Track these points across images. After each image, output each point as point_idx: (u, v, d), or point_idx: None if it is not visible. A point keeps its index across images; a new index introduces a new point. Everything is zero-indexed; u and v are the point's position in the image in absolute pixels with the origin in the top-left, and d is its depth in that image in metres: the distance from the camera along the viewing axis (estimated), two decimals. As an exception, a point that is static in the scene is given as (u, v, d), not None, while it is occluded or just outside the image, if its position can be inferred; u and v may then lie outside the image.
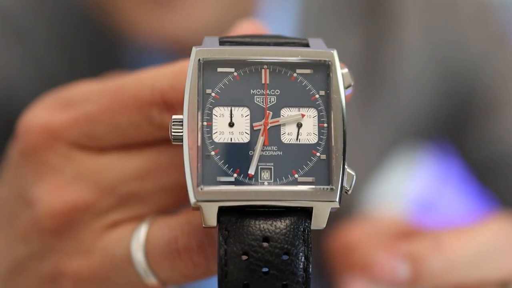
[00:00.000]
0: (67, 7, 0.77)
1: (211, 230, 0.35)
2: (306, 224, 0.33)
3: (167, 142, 0.37)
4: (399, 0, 0.81)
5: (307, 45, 0.36)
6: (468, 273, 0.50)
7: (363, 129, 0.80)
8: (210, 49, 0.34)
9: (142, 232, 0.37)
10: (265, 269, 0.32)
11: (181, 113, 0.34)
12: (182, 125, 0.34)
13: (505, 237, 0.51)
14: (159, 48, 0.70)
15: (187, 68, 0.34)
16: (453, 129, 0.84)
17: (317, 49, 0.35)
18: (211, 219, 0.33)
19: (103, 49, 0.75)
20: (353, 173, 0.34)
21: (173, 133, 0.34)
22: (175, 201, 0.38)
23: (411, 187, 0.88)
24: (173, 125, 0.34)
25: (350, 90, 0.35)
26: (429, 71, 0.82)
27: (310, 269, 0.33)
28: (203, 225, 0.33)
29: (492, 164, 0.82)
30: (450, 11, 0.83)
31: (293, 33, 0.79)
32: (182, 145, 0.34)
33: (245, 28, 0.38)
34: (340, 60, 0.36)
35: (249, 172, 0.33)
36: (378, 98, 0.81)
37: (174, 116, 0.34)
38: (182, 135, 0.33)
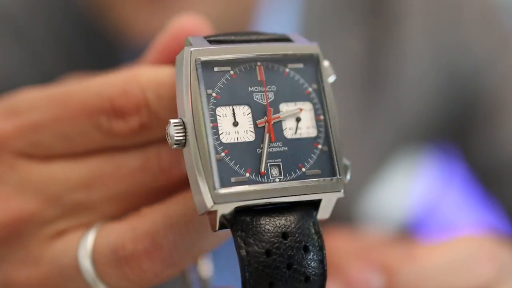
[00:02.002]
0: (66, 6, 0.76)
1: (157, 235, 0.35)
2: (314, 214, 0.34)
3: (114, 150, 0.37)
4: (403, 1, 0.81)
5: (289, 40, 0.36)
6: (441, 283, 0.50)
7: (365, 132, 0.80)
8: (206, 48, 0.34)
9: (89, 239, 0.36)
10: (288, 265, 0.32)
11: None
12: (184, 128, 0.33)
13: (477, 248, 0.51)
14: None
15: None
16: (457, 132, 0.84)
17: (303, 43, 0.35)
18: (226, 224, 0.33)
19: (101, 48, 0.75)
20: (349, 163, 0.35)
21: (176, 138, 0.33)
22: (122, 209, 0.37)
23: (413, 191, 0.87)
24: (176, 129, 0.33)
25: (332, 79, 0.36)
26: (433, 74, 0.82)
27: (325, 260, 0.33)
28: (215, 230, 0.33)
29: (495, 169, 0.82)
30: (455, 13, 0.83)
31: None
32: (182, 149, 0.33)
33: (184, 22, 0.38)
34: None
35: (260, 170, 0.33)
36: (380, 100, 0.80)
37: (173, 120, 0.33)
38: (185, 139, 0.33)
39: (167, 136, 0.33)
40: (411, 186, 0.86)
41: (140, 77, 0.36)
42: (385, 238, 0.56)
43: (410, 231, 0.87)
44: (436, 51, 0.82)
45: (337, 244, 0.55)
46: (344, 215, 0.79)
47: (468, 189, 0.89)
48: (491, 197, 0.84)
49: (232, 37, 0.35)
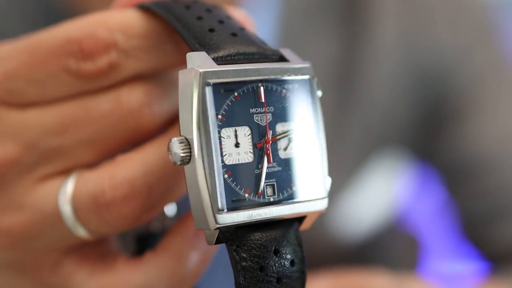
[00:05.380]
0: (48, 9, 0.75)
1: (135, 182, 0.37)
2: (297, 227, 0.37)
3: (85, 94, 0.38)
4: (377, 5, 0.81)
5: (283, 58, 0.37)
6: None
7: (339, 135, 0.81)
8: (214, 70, 0.34)
9: (68, 186, 0.38)
10: (277, 279, 0.35)
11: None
12: (189, 146, 0.34)
13: None
14: None
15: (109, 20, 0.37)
16: (426, 133, 0.85)
17: (299, 65, 0.37)
18: (222, 239, 0.35)
19: None
20: (330, 179, 0.37)
21: (182, 155, 0.34)
22: (97, 154, 0.39)
23: (388, 195, 0.87)
24: (181, 146, 0.34)
25: (319, 94, 0.38)
26: (404, 75, 0.82)
27: (305, 268, 0.36)
28: (211, 244, 0.35)
29: (456, 169, 0.84)
30: (427, 15, 0.84)
31: (274, 35, 0.79)
32: (185, 166, 0.34)
33: None
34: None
35: (258, 191, 0.35)
36: (353, 103, 0.81)
37: (176, 138, 0.34)
38: (190, 157, 0.34)
39: (170, 153, 0.34)
40: (387, 190, 0.87)
41: (108, 20, 0.37)
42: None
43: (385, 236, 0.89)
44: (408, 53, 0.83)
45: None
46: (318, 221, 0.80)
47: (439, 192, 0.90)
48: (450, 198, 0.86)
49: (233, 51, 0.36)
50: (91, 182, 0.37)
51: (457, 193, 0.85)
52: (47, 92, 0.38)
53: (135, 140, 0.38)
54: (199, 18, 0.37)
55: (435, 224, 1.02)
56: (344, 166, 0.83)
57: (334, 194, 0.81)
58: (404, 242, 0.97)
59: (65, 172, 0.39)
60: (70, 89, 0.38)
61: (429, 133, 0.85)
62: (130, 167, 0.37)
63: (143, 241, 0.42)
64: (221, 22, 0.38)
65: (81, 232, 0.38)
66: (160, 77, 0.39)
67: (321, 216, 0.84)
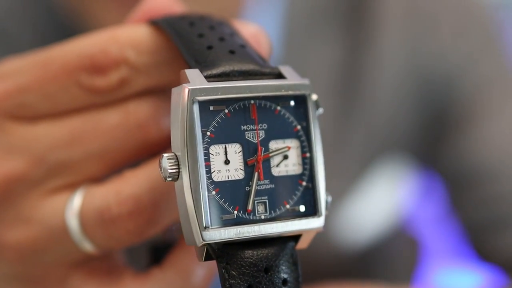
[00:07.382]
0: (49, 12, 0.77)
1: (140, 198, 0.37)
2: (293, 246, 0.36)
3: (95, 107, 0.38)
4: (381, 10, 0.81)
5: (280, 75, 0.37)
6: None
7: (342, 141, 0.81)
8: (203, 88, 0.34)
9: (75, 201, 0.38)
10: None
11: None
12: (177, 162, 0.34)
13: None
14: None
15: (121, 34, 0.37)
16: (429, 140, 0.84)
17: (295, 81, 0.36)
18: (212, 256, 0.35)
19: None
20: (330, 197, 0.37)
21: (170, 171, 0.34)
22: (104, 167, 0.39)
23: (391, 201, 0.87)
24: (170, 162, 0.34)
25: (320, 111, 0.37)
26: (408, 81, 0.82)
27: None
28: (201, 261, 0.35)
29: (460, 177, 0.83)
30: (432, 21, 0.83)
31: (278, 41, 0.79)
32: (174, 183, 0.34)
33: (155, 2, 0.39)
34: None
35: (248, 208, 0.35)
36: (357, 108, 0.81)
37: (166, 154, 0.34)
38: (178, 173, 0.34)
39: (160, 169, 0.34)
40: (390, 196, 0.86)
41: (118, 36, 0.38)
42: None
43: (388, 242, 0.88)
44: (412, 58, 0.83)
45: None
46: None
47: (443, 200, 0.89)
48: (452, 206, 0.86)
49: (228, 69, 0.36)
50: (98, 197, 0.38)
51: (460, 201, 0.85)
52: (58, 105, 0.38)
53: (143, 153, 0.39)
54: (200, 35, 0.37)
55: (438, 231, 1.02)
56: (347, 172, 0.83)
57: (337, 200, 0.81)
58: (407, 249, 0.97)
59: (73, 186, 0.39)
60: (80, 103, 0.38)
61: (433, 140, 0.85)
62: (136, 183, 0.37)
63: (158, 252, 0.42)
64: (221, 39, 0.38)
65: (88, 247, 0.39)
66: (168, 92, 0.39)
67: (326, 224, 0.84)
